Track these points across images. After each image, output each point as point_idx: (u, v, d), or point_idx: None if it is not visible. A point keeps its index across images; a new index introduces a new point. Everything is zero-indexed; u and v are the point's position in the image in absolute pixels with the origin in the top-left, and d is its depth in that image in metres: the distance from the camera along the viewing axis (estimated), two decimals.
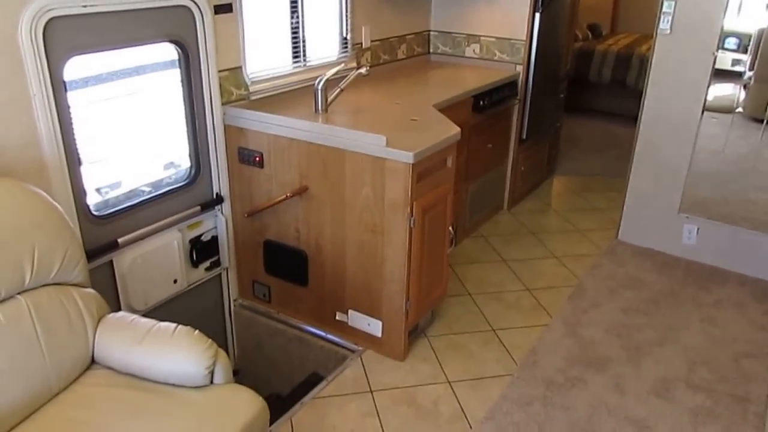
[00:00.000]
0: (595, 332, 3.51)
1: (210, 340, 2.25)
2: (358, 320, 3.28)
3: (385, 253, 3.06)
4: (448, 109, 3.68)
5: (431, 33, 4.95)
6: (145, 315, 3.02)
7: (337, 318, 3.36)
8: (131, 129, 3.15)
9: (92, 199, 2.87)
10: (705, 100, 3.98)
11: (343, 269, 3.25)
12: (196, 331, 2.27)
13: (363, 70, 3.30)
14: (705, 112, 4.01)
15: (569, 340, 3.43)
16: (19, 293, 2.11)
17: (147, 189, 3.21)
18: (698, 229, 4.24)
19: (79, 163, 2.71)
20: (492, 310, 3.71)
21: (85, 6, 2.55)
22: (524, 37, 4.56)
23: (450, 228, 3.29)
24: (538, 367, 3.22)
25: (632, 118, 4.61)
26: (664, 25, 3.96)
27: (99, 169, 2.96)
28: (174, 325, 2.28)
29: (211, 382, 2.24)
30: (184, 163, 3.30)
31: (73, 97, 2.64)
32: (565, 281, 4.06)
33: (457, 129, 3.13)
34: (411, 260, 3.03)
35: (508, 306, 3.76)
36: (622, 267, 4.23)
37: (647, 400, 3.02)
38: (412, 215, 2.92)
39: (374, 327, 3.24)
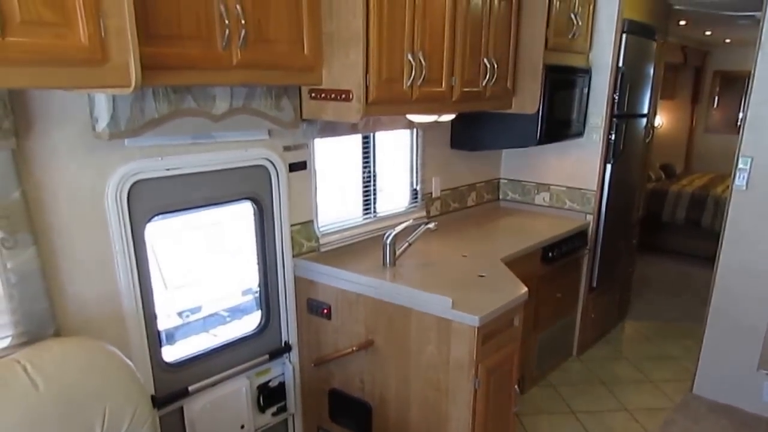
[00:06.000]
0: None
1: None
2: None
3: (450, 412, 3.02)
4: (517, 261, 3.70)
5: (501, 181, 5.06)
6: None
7: None
8: (208, 258, 3.28)
9: (173, 323, 2.96)
10: None
11: (406, 424, 3.21)
12: None
13: (431, 226, 3.38)
14: None
15: None
16: None
17: (225, 314, 3.33)
18: None
19: (155, 317, 2.82)
20: None
21: (168, 169, 2.72)
22: (595, 188, 4.60)
23: (516, 386, 3.24)
24: None
25: (708, 259, 4.54)
26: (740, 181, 3.95)
27: (180, 294, 3.09)
28: None
29: None
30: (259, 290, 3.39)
31: (153, 227, 2.77)
32: None
33: (525, 289, 3.14)
34: (476, 421, 2.98)
35: None
36: (697, 424, 4.04)
37: None
38: (476, 377, 2.90)
39: None
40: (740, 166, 3.96)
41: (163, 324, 2.93)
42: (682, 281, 6.95)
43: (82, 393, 2.15)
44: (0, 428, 1.93)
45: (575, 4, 4.13)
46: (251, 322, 3.39)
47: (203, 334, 3.22)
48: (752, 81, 3.85)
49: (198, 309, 3.28)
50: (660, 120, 8.47)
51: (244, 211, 3.24)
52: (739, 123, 3.99)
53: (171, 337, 3.07)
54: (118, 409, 2.24)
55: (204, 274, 3.29)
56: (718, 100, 9.02)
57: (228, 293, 3.40)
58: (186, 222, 3.11)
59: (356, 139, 3.81)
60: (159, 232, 2.87)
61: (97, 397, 2.19)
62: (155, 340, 2.84)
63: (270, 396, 3.45)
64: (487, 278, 3.30)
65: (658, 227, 7.73)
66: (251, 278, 3.36)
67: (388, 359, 3.19)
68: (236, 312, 3.41)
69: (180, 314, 3.17)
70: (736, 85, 8.56)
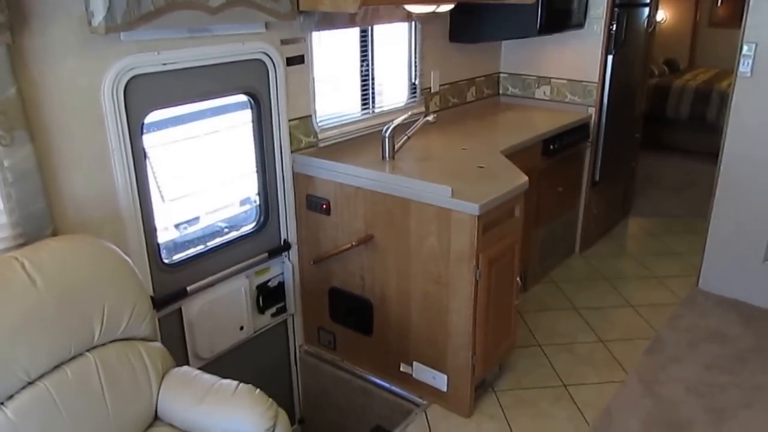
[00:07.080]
0: (675, 391, 3.33)
1: (270, 399, 2.22)
2: (423, 373, 3.22)
3: (451, 305, 3.00)
4: (517, 154, 3.61)
5: (501, 75, 4.92)
6: (211, 363, 3.09)
7: (401, 369, 3.31)
8: (205, 170, 3.21)
9: (171, 235, 2.94)
10: None
11: (407, 320, 3.20)
12: (257, 390, 2.25)
13: (430, 118, 3.29)
14: None
15: (647, 400, 3.27)
16: (87, 350, 2.14)
17: (223, 225, 3.29)
18: None
19: (152, 216, 2.77)
20: (563, 363, 3.59)
21: (165, 64, 2.63)
22: (596, 80, 4.47)
23: (518, 279, 3.21)
24: (614, 428, 3.07)
25: (712, 155, 4.45)
26: (744, 67, 3.82)
27: (177, 206, 3.04)
28: (235, 383, 2.26)
29: None
30: (258, 199, 3.34)
31: (149, 139, 2.71)
32: (641, 332, 3.89)
33: (525, 178, 3.07)
34: (477, 313, 2.95)
35: (580, 359, 3.63)
36: (704, 318, 4.03)
37: None
38: (477, 267, 2.85)
39: (439, 381, 3.17)
40: (744, 52, 3.82)
41: (162, 236, 2.89)
42: (686, 178, 6.86)
43: (81, 289, 2.11)
44: None
45: None
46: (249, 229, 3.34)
47: (201, 247, 3.17)
48: None
49: (196, 220, 3.22)
50: (663, 14, 8.22)
51: (241, 117, 3.15)
52: (743, 17, 3.83)
53: (169, 249, 3.02)
54: (117, 305, 2.21)
55: (201, 186, 3.22)
56: None
57: (226, 203, 3.34)
58: (182, 132, 3.04)
59: (354, 34, 3.68)
60: (155, 142, 2.79)
61: (96, 293, 2.15)
62: (153, 239, 2.80)
63: (269, 296, 3.44)
64: (487, 169, 3.22)
65: (663, 124, 7.59)
66: (249, 186, 3.29)
67: (388, 254, 3.15)
68: (234, 223, 3.35)
69: (177, 226, 3.12)
70: None
